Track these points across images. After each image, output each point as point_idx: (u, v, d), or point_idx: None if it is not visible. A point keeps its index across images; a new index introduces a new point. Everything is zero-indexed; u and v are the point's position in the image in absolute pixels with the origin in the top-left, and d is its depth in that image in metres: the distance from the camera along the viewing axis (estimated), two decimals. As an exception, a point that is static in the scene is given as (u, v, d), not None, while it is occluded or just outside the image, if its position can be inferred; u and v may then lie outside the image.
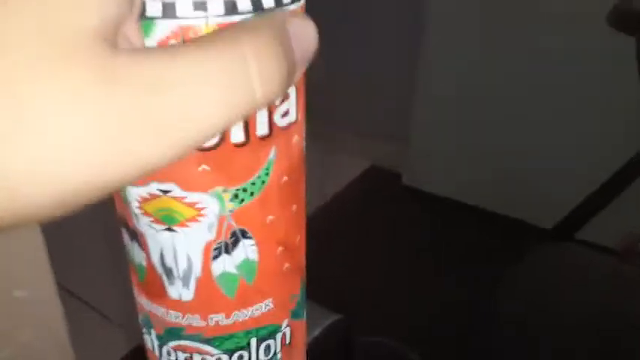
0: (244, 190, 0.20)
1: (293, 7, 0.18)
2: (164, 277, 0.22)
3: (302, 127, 0.22)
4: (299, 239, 0.24)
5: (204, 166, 0.19)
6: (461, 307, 1.25)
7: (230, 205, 0.20)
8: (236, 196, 0.20)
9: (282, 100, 0.20)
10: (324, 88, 1.78)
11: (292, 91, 0.20)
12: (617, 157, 1.03)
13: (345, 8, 1.70)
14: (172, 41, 0.16)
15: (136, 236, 0.21)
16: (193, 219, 0.20)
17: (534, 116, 1.43)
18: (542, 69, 1.38)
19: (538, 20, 1.34)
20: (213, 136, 0.14)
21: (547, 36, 1.33)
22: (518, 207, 1.53)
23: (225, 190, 0.20)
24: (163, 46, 0.16)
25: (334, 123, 1.80)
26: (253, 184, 0.20)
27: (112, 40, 0.13)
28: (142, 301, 0.24)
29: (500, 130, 1.49)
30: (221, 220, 0.20)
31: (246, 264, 0.21)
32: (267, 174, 0.20)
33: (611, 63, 1.16)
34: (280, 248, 0.22)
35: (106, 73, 0.12)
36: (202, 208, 0.20)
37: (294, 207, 0.22)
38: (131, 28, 0.16)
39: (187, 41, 0.16)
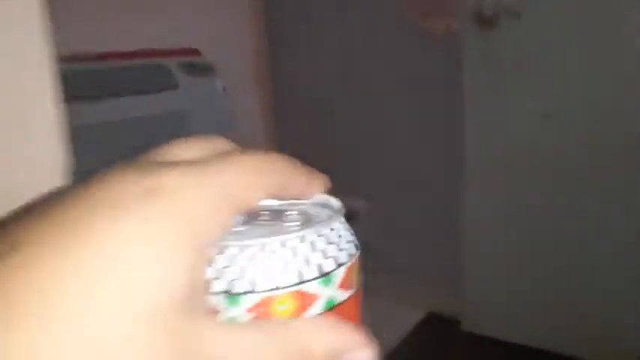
0: None
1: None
2: None
3: None
4: None
5: None
6: None
7: None
8: None
9: None
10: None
11: None
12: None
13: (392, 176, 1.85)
14: (257, 309, 0.20)
15: None
16: None
17: (590, 252, 1.44)
18: (582, 205, 1.42)
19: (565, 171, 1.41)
20: None
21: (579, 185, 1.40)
22: (585, 348, 1.46)
23: None
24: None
25: (390, 273, 1.84)
26: None
27: (193, 303, 0.17)
28: None
29: (556, 269, 1.50)
30: None
31: None
32: None
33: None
34: None
35: (187, 347, 0.16)
36: None
37: None
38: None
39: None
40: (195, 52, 1.53)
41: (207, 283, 0.19)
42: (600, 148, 1.36)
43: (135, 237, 0.15)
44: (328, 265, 0.21)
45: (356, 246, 0.23)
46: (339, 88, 1.91)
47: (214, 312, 0.19)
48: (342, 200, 0.26)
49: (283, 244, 0.20)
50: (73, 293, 0.15)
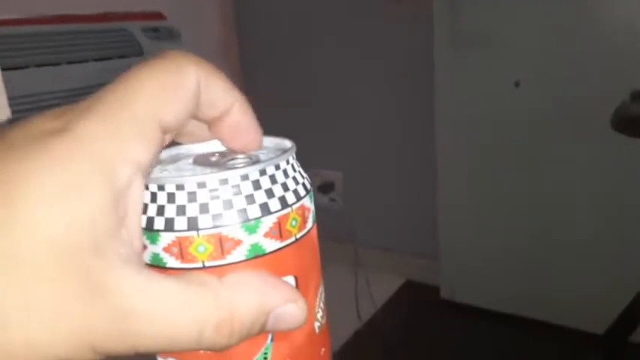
0: None
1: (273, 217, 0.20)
2: None
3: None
4: None
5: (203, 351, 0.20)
6: None
7: None
8: None
9: None
10: (346, 211, 1.85)
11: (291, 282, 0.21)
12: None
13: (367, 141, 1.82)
14: (174, 249, 0.19)
15: None
16: None
17: (563, 218, 1.44)
18: (557, 172, 1.41)
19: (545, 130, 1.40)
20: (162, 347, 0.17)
21: (559, 147, 1.39)
22: (560, 314, 1.48)
23: None
24: (153, 271, 0.18)
25: (364, 244, 1.83)
26: None
27: (107, 248, 0.16)
28: None
29: (531, 236, 1.50)
30: None
31: None
32: (265, 358, 0.21)
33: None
34: None
35: (91, 288, 0.16)
36: None
37: None
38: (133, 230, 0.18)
39: (185, 252, 0.19)
40: (158, 15, 1.45)
41: (131, 222, 0.18)
42: (570, 114, 1.35)
43: (40, 174, 0.15)
44: (253, 212, 0.19)
45: (299, 194, 0.21)
46: (311, 59, 1.85)
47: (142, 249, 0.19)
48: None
49: (202, 185, 0.19)
50: None
